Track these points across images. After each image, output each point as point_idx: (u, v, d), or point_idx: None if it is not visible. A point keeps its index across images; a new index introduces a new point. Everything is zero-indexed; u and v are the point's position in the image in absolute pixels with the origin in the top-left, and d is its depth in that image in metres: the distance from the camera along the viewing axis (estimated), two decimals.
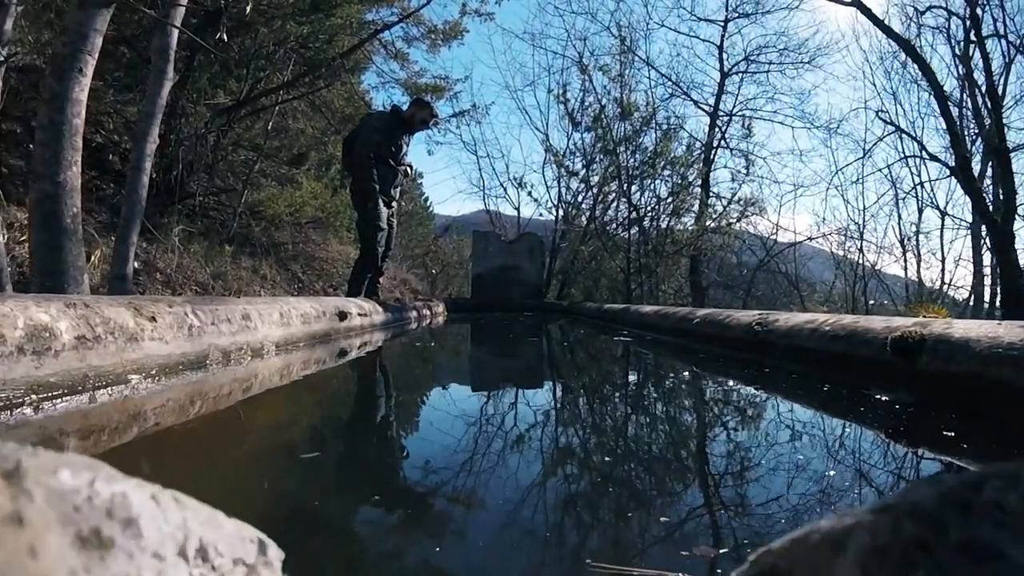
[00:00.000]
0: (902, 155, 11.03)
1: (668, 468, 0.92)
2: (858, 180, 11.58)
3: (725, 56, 11.68)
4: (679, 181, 10.33)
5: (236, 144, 6.77)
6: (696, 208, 10.27)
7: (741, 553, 0.57)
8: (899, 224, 11.77)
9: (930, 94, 8.81)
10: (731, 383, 1.77)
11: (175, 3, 3.32)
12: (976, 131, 9.64)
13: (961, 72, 9.55)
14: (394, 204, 4.19)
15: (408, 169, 4.27)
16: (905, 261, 11.50)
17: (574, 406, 1.49)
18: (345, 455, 0.96)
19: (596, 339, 3.65)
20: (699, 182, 10.60)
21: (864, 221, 11.35)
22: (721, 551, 0.57)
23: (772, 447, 0.99)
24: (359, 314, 2.95)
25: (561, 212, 10.67)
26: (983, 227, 9.21)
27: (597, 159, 10.45)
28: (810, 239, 11.57)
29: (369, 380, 1.87)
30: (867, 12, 7.85)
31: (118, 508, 0.19)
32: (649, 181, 10.24)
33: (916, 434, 1.08)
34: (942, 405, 1.21)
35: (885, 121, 10.64)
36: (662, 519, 0.67)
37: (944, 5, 8.94)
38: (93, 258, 3.72)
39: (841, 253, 11.63)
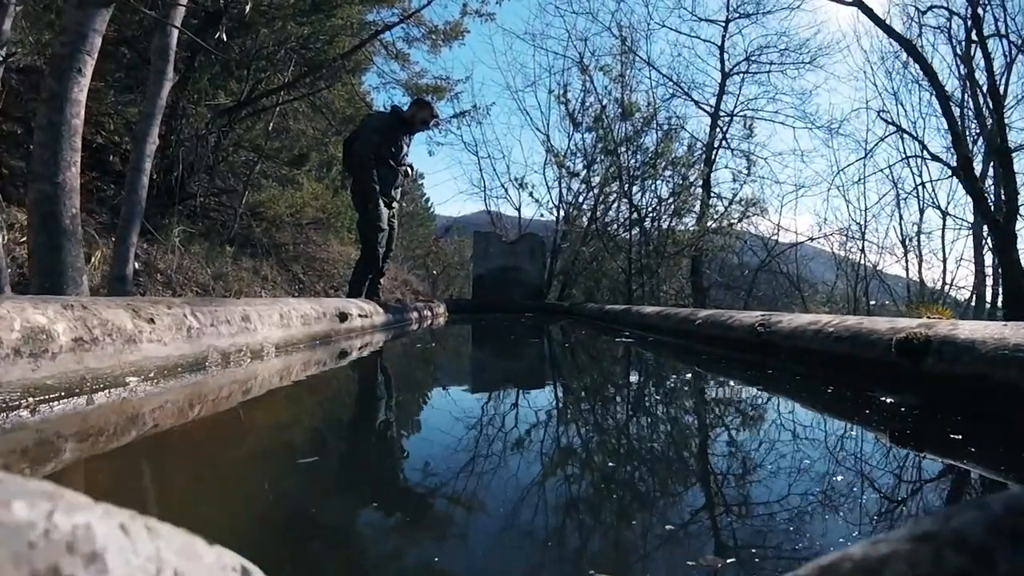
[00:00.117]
0: (903, 155, 11.04)
1: (671, 472, 0.91)
2: (859, 180, 11.59)
3: (726, 56, 11.68)
4: (680, 182, 10.31)
5: (237, 145, 6.77)
6: (697, 209, 10.25)
7: (748, 563, 0.55)
8: (900, 224, 11.74)
9: (931, 94, 8.82)
10: (734, 385, 1.76)
11: (175, 3, 3.32)
12: (978, 131, 9.62)
13: (962, 72, 9.52)
14: (395, 205, 4.17)
15: (409, 170, 4.25)
16: (907, 261, 11.50)
17: (576, 408, 1.48)
18: (345, 458, 0.95)
19: (597, 340, 3.64)
20: (700, 182, 10.58)
21: (865, 221, 11.37)
22: (728, 560, 0.55)
23: (776, 450, 0.98)
24: (360, 315, 2.94)
25: (562, 213, 10.64)
26: (985, 227, 9.19)
27: (598, 160, 10.43)
28: (811, 239, 11.58)
29: (369, 382, 1.85)
30: (868, 12, 7.84)
31: (80, 542, 0.17)
32: (650, 182, 10.22)
33: (922, 436, 1.07)
34: (948, 407, 1.19)
35: (886, 121, 10.65)
36: (666, 526, 0.65)
37: (945, 5, 8.94)
38: (93, 259, 3.72)
39: (843, 253, 11.64)
